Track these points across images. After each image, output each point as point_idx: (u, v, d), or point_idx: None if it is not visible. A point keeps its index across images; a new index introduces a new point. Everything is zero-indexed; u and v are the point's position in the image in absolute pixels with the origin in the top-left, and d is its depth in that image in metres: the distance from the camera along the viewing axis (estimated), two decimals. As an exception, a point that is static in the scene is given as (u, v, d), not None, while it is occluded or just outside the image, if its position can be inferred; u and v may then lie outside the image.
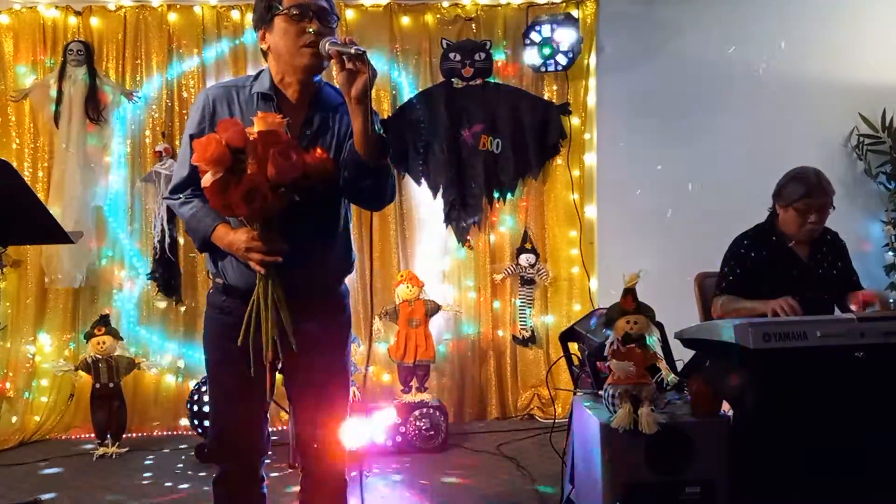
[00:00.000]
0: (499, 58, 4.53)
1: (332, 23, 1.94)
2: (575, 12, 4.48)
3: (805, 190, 2.88)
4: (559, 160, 4.57)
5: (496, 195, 4.56)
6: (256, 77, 2.03)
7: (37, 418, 4.24)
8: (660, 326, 2.49)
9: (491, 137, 4.49)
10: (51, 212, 2.54)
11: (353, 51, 1.77)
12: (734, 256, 2.99)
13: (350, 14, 4.47)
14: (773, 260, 2.95)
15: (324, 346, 2.06)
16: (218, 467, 2.12)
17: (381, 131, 1.89)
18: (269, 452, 2.16)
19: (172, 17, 4.39)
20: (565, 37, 4.33)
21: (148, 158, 4.38)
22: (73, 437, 4.23)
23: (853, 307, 2.83)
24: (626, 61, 4.55)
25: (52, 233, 2.37)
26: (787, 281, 2.89)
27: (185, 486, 3.46)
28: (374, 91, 4.80)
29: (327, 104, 2.01)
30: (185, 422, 4.20)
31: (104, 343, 3.93)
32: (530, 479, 3.44)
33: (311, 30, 1.88)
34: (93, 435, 3.98)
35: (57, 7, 4.36)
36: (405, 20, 4.50)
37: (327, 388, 2.09)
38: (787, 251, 2.96)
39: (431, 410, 3.89)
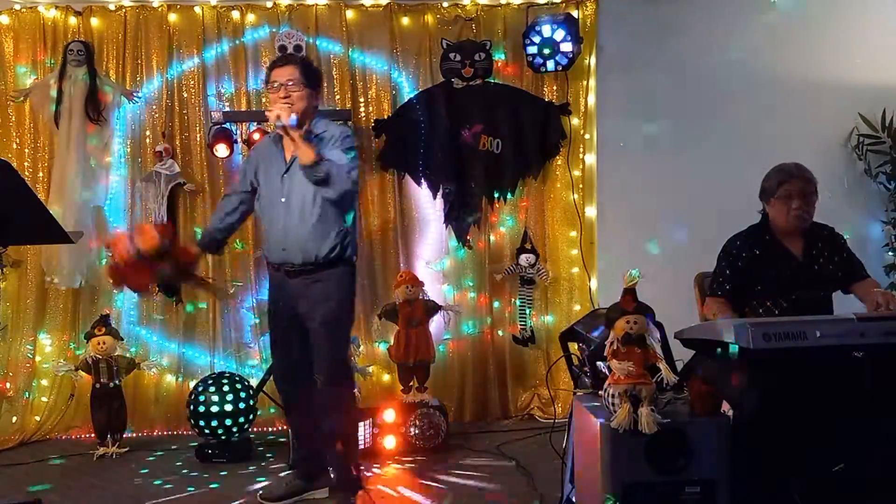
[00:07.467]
0: (499, 58, 4.53)
1: (290, 87, 2.90)
2: (575, 12, 4.48)
3: (782, 177, 2.93)
4: (559, 160, 4.57)
5: (496, 195, 4.55)
6: None
7: (37, 418, 4.24)
8: (660, 326, 2.49)
9: (491, 137, 4.49)
10: (51, 212, 2.55)
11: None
12: (726, 256, 3.00)
13: (350, 14, 4.47)
14: (767, 258, 2.94)
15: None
16: (282, 399, 3.18)
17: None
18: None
19: (172, 17, 4.39)
20: (565, 37, 4.32)
21: (148, 158, 4.38)
22: (73, 437, 4.23)
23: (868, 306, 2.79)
24: (626, 61, 4.55)
25: (52, 233, 2.37)
26: (781, 279, 2.89)
27: (185, 486, 3.46)
28: (374, 91, 4.82)
29: (312, 137, 2.89)
30: (185, 422, 4.19)
31: (104, 343, 3.92)
32: (530, 478, 3.44)
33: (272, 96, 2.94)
34: (93, 435, 3.97)
35: (57, 7, 4.35)
36: (405, 20, 4.50)
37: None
38: (781, 249, 2.95)
39: (431, 410, 3.89)
